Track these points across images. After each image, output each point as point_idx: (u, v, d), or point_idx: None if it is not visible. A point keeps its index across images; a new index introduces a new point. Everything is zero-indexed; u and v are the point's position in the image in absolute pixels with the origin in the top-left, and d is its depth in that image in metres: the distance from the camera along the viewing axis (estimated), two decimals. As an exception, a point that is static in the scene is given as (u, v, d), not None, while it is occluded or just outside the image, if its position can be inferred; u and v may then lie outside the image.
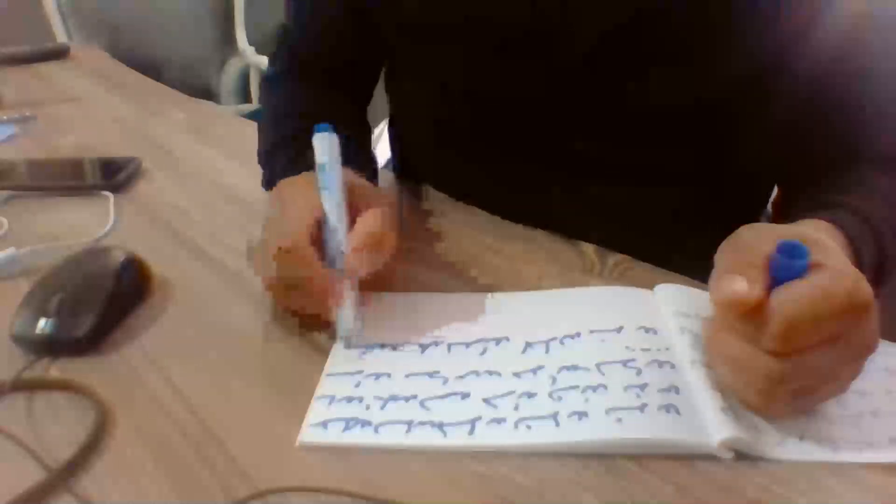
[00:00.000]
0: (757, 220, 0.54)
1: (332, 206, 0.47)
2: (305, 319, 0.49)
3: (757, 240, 0.39)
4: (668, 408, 0.39)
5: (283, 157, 0.63)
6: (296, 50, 0.76)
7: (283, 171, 0.58)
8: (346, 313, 0.46)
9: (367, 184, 0.52)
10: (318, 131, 0.48)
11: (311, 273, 0.45)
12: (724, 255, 0.40)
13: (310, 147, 0.49)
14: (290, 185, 0.53)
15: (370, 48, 0.73)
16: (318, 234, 0.48)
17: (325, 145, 0.48)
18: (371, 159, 0.68)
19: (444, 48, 0.64)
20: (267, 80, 0.78)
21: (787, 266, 0.37)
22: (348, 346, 0.47)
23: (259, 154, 0.70)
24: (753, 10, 0.54)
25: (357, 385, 0.43)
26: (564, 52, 0.59)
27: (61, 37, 1.93)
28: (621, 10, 0.56)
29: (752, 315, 0.37)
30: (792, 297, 0.36)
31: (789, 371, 0.36)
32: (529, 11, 0.58)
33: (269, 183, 0.65)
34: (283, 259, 0.45)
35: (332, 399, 0.42)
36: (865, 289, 0.36)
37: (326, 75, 0.74)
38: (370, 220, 0.48)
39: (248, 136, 0.91)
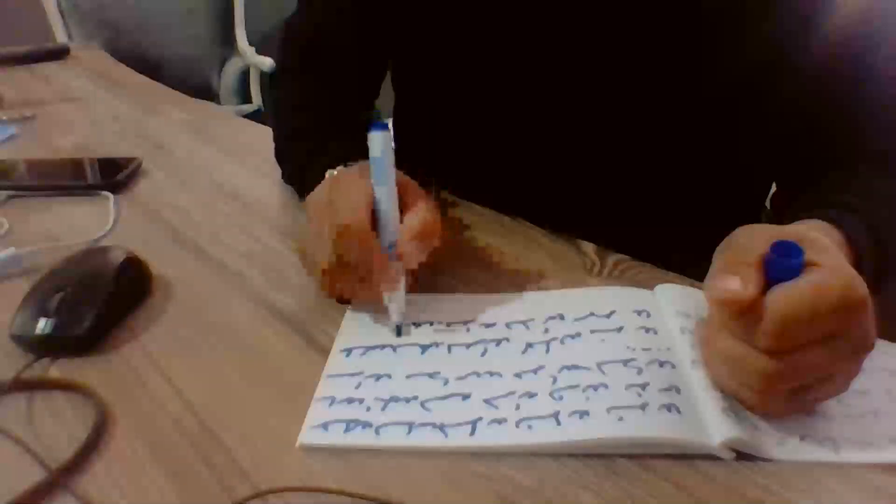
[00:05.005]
0: (757, 220, 0.54)
1: (386, 197, 0.49)
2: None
3: (752, 240, 0.39)
4: (669, 407, 0.39)
5: (304, 149, 0.66)
6: (303, 43, 0.75)
7: (312, 162, 0.60)
8: (399, 300, 0.48)
9: (411, 180, 0.53)
10: (375, 128, 0.49)
11: (372, 253, 0.47)
12: (720, 255, 0.40)
13: (332, 140, 0.52)
14: (345, 176, 0.54)
15: (378, 40, 0.72)
16: (373, 224, 0.48)
17: (380, 141, 0.48)
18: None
19: (456, 34, 0.65)
20: (276, 74, 0.79)
21: (781, 265, 0.37)
22: (399, 333, 0.48)
23: (279, 149, 0.73)
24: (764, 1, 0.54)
25: (357, 386, 0.43)
26: (580, 39, 0.60)
27: (61, 37, 1.93)
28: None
29: (747, 314, 0.37)
30: (786, 295, 0.36)
31: (784, 369, 0.36)
32: None
33: (297, 171, 0.68)
34: (345, 236, 0.46)
35: (332, 400, 0.42)
36: (860, 287, 0.36)
37: (334, 68, 0.74)
38: (420, 211, 0.49)
39: (248, 136, 0.91)
